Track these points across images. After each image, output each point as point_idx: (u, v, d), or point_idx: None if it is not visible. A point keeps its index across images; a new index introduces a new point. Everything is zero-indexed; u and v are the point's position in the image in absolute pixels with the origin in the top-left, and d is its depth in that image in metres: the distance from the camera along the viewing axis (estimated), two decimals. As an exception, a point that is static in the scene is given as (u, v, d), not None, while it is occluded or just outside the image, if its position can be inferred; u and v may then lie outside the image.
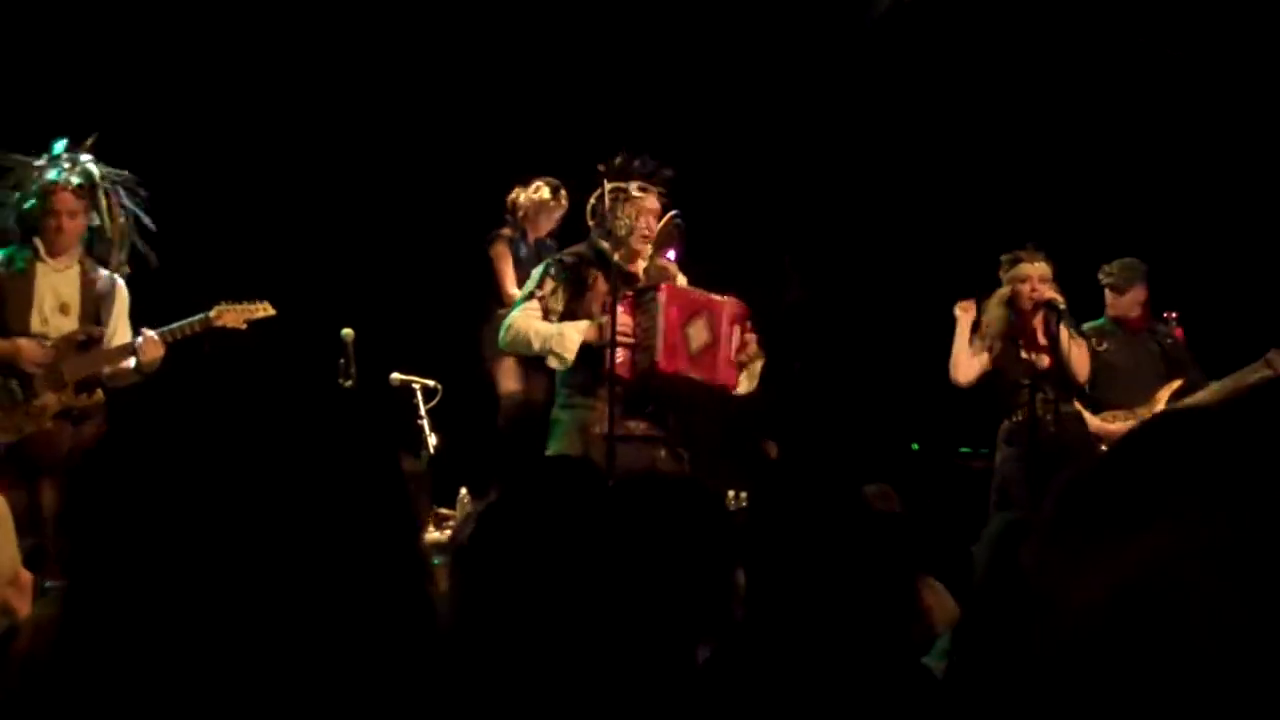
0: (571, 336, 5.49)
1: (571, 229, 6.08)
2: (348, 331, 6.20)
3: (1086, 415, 6.74)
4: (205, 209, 7.39)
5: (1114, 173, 8.53)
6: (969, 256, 7.06)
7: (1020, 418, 6.46)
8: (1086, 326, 6.95)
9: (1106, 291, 7.05)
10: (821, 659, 2.21)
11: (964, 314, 6.59)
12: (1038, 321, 6.53)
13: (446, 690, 1.42)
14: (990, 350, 6.54)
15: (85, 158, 5.61)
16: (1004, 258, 6.67)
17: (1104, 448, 6.64)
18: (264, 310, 5.88)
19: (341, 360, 6.23)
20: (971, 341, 6.58)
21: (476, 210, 7.43)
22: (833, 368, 8.46)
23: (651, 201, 5.67)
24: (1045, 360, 6.47)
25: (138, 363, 5.60)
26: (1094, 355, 6.83)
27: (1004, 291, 6.62)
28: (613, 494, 2.40)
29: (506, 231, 7.22)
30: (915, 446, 8.12)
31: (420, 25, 8.26)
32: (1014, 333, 6.55)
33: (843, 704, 2.18)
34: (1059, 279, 6.58)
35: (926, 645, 3.39)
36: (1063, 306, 6.46)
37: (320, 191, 8.03)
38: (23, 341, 5.46)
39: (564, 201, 7.18)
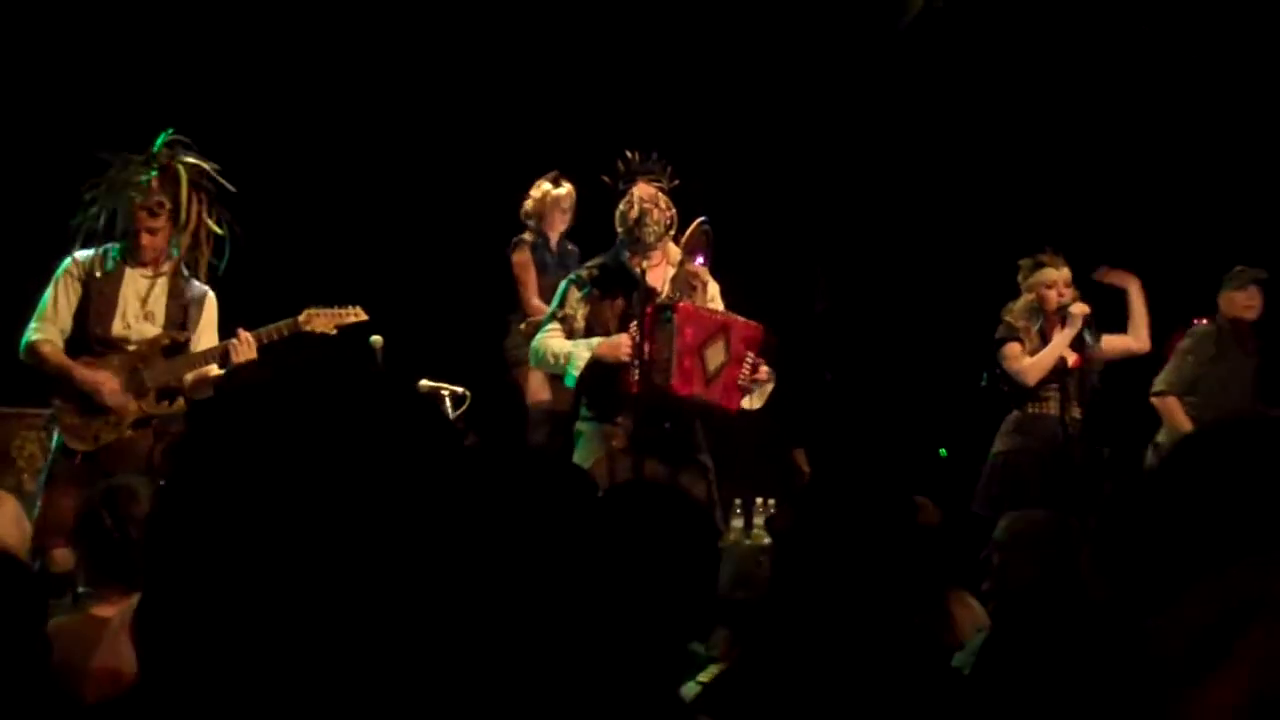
0: (581, 354, 5.51)
1: (599, 234, 6.08)
2: (376, 339, 6.22)
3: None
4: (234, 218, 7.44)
5: (1144, 179, 8.50)
6: (995, 262, 7.03)
7: (1035, 410, 6.44)
8: (1198, 330, 6.84)
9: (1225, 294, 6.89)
10: (851, 665, 2.21)
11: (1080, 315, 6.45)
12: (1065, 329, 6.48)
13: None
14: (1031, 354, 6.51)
15: (183, 155, 5.45)
16: (1023, 263, 6.63)
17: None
18: (356, 315, 5.75)
19: (371, 367, 6.25)
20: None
21: (504, 218, 7.44)
22: (862, 376, 8.44)
23: (645, 189, 5.63)
24: (1073, 357, 6.44)
25: (227, 367, 5.46)
26: (1198, 364, 6.72)
27: (1029, 298, 6.59)
28: (600, 503, 2.40)
29: (527, 236, 7.21)
30: (943, 453, 8.10)
31: (452, 34, 8.29)
32: (1044, 336, 6.54)
33: (873, 707, 2.18)
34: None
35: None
36: (1089, 314, 6.45)
37: (349, 199, 8.07)
38: (104, 379, 5.36)
39: (568, 189, 7.13)
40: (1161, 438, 6.63)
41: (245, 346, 5.46)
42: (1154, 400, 6.69)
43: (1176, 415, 6.60)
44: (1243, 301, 6.82)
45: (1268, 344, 6.82)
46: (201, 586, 1.09)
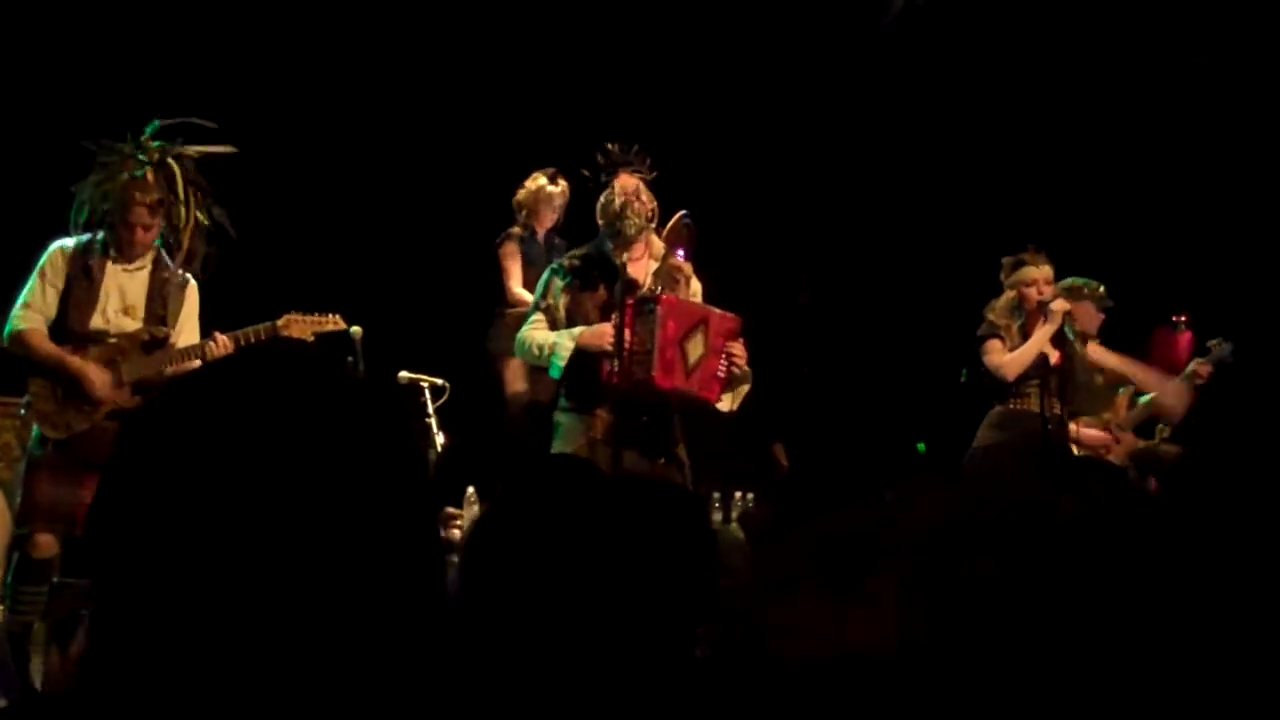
0: (565, 344, 5.51)
1: (584, 228, 6.08)
2: (356, 329, 6.21)
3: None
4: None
5: (1122, 176, 8.53)
6: (976, 259, 7.04)
7: (1017, 406, 6.46)
8: None
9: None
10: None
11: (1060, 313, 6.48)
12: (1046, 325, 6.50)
13: (451, 681, 1.43)
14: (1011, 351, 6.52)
15: (174, 149, 5.48)
16: (1005, 260, 6.64)
17: (1077, 451, 6.65)
18: (334, 323, 5.79)
19: (350, 358, 6.24)
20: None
21: (485, 209, 7.44)
22: (841, 371, 8.46)
23: (627, 180, 5.62)
24: (1055, 355, 6.46)
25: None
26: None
27: (1010, 295, 6.61)
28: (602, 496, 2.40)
29: (516, 230, 7.24)
30: (921, 448, 8.11)
31: (434, 24, 8.28)
32: (1025, 333, 6.55)
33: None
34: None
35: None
36: (1070, 311, 6.48)
37: (329, 190, 8.05)
38: (93, 371, 5.36)
39: (563, 187, 7.17)
40: None
41: (221, 349, 5.48)
42: None
43: None
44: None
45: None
46: (143, 576, 1.08)
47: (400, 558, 1.13)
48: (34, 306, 5.42)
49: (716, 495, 6.26)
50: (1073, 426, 6.67)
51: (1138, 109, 8.50)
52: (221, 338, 5.51)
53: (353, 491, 1.11)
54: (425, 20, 8.28)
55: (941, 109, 8.69)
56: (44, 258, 5.46)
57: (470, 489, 6.26)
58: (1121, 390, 6.93)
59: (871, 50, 8.55)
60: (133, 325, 5.48)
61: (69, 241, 5.47)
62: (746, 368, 5.61)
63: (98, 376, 5.36)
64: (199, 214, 5.49)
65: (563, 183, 7.17)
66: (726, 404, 5.65)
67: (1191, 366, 6.84)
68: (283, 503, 1.08)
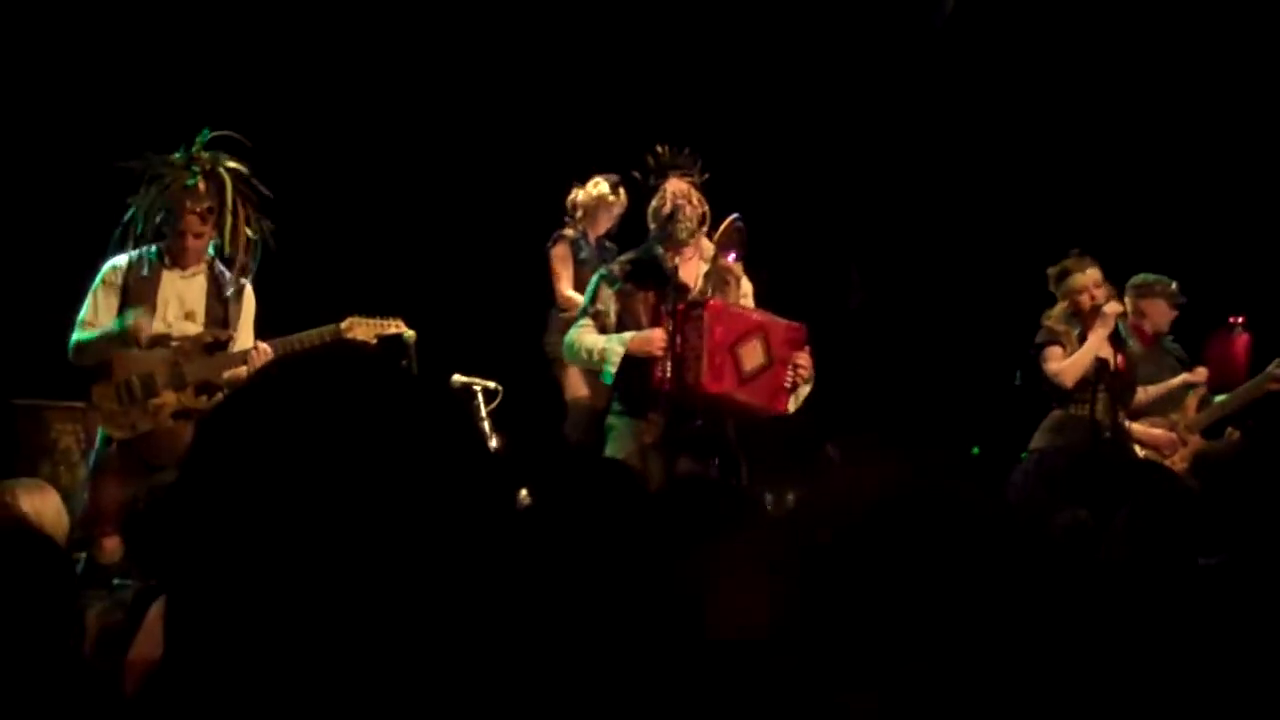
0: (615, 349, 5.52)
1: (635, 231, 6.09)
2: (410, 333, 6.24)
3: (1128, 423, 6.69)
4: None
5: (1177, 175, 8.46)
6: (1028, 259, 7.00)
7: (1076, 411, 6.40)
8: None
9: (1129, 303, 6.91)
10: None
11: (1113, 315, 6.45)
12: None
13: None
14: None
15: (225, 160, 5.60)
16: (1051, 271, 6.58)
17: (1143, 452, 6.59)
18: (397, 326, 5.87)
19: (403, 362, 6.27)
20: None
21: (538, 212, 7.45)
22: (894, 371, 8.43)
23: (678, 184, 5.62)
24: (1117, 359, 6.41)
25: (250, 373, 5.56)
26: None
27: (1064, 305, 6.56)
28: (654, 499, 2.40)
29: (568, 232, 7.23)
30: (976, 450, 8.07)
31: (486, 28, 8.32)
32: (1084, 339, 6.49)
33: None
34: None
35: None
36: (1124, 312, 6.46)
37: (382, 194, 8.10)
38: (140, 316, 5.48)
39: (623, 198, 7.16)
40: None
41: (262, 356, 5.56)
42: None
43: None
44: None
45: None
46: (217, 577, 1.09)
47: (480, 551, 1.14)
48: (89, 322, 5.57)
49: (770, 497, 6.25)
50: (1136, 426, 6.62)
51: (1191, 107, 8.43)
52: (263, 346, 5.60)
53: (431, 492, 1.12)
54: (477, 25, 8.31)
55: (994, 108, 8.64)
56: (98, 277, 5.62)
57: (523, 492, 6.27)
58: (1191, 391, 6.84)
59: (923, 50, 8.51)
60: (195, 329, 5.61)
61: (121, 259, 5.61)
62: (811, 373, 5.60)
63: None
64: (246, 229, 5.58)
65: (623, 193, 7.17)
66: (790, 406, 5.65)
67: (1270, 367, 6.71)
68: (360, 502, 1.09)
